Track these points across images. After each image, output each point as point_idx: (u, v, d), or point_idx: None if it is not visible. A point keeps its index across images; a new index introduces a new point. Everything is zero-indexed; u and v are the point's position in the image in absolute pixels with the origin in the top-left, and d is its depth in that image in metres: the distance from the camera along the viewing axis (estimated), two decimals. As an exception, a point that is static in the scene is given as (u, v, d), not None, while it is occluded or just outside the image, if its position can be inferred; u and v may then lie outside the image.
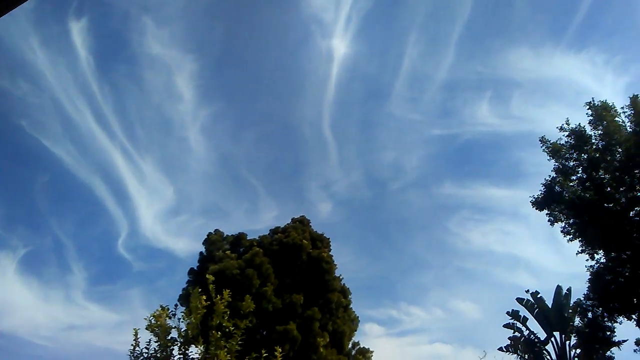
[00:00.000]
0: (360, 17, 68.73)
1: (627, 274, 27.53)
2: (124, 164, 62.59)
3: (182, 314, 12.48)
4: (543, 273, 61.88)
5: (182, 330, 12.20)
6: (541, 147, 29.03)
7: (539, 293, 36.64)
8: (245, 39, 73.83)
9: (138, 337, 11.68)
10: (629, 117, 27.38)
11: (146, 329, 11.72)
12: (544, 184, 28.82)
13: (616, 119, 27.55)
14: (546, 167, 29.66)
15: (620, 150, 27.40)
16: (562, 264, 59.16)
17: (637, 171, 27.17)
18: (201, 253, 35.62)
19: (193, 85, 68.28)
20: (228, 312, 12.26)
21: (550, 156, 28.81)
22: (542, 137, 29.08)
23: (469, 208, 73.60)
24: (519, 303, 37.19)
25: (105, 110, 60.92)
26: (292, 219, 38.26)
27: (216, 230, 36.61)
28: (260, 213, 67.10)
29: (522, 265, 66.63)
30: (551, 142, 28.81)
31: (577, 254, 28.49)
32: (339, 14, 67.29)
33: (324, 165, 77.89)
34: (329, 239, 37.80)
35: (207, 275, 13.38)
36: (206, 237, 36.25)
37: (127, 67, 66.47)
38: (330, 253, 36.51)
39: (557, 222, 28.88)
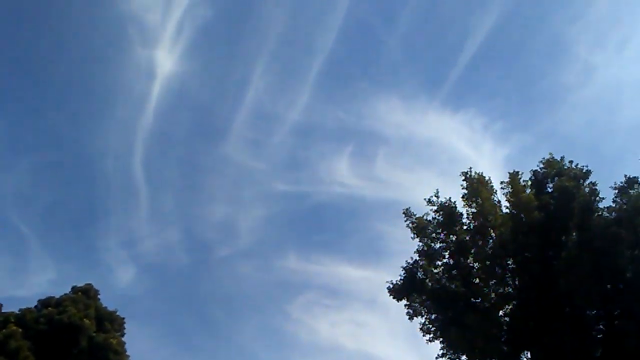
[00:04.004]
0: (196, 27, 63.17)
1: (491, 387, 27.45)
2: None
3: None
4: (401, 377, 58.20)
5: None
6: (405, 221, 28.65)
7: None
8: (31, 32, 62.66)
9: None
10: (507, 196, 28.08)
11: None
12: (404, 268, 28.29)
13: (492, 197, 28.14)
14: (412, 246, 28.75)
15: (493, 235, 27.84)
16: (425, 368, 55.39)
17: (510, 262, 27.61)
18: None
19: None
20: None
21: (414, 234, 28.52)
22: (407, 209, 28.66)
23: (317, 289, 68.47)
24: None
25: None
26: (72, 288, 33.96)
27: (-50, 297, 30.28)
28: (29, 274, 55.73)
29: (376, 366, 62.06)
30: (416, 216, 28.54)
31: (436, 358, 27.87)
32: (167, 18, 61.13)
33: (130, 215, 67.85)
34: (123, 318, 34.41)
35: None
36: None
37: None
38: (122, 339, 33.55)
39: (416, 316, 28.17)
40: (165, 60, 61.70)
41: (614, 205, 26.35)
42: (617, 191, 26.49)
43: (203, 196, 73.09)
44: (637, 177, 26.45)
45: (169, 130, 68.49)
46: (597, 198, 26.54)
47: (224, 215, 71.49)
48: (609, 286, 25.51)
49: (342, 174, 70.56)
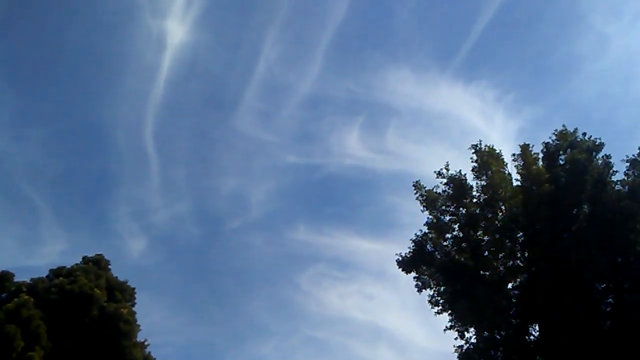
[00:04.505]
0: (207, -3, 60.30)
1: (500, 358, 26.85)
2: None
3: None
4: (410, 349, 58.06)
5: None
6: (415, 193, 28.41)
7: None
8: (42, 2, 61.16)
9: None
10: (518, 169, 27.77)
11: None
12: (413, 240, 28.09)
13: (502, 169, 27.73)
14: (422, 219, 28.50)
15: (503, 207, 27.54)
16: (435, 339, 54.84)
17: (519, 235, 27.47)
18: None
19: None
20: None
21: (424, 206, 28.29)
22: (417, 182, 28.43)
23: (327, 261, 67.73)
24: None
25: None
26: (83, 258, 33.48)
27: (-37, 265, 31.77)
28: (41, 244, 55.16)
29: (385, 338, 63.23)
30: (426, 189, 28.24)
31: (445, 330, 27.63)
32: (178, -13, 58.74)
33: (141, 186, 67.08)
34: (133, 288, 33.98)
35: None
36: (-55, 274, 31.14)
37: None
38: (133, 309, 33.03)
39: (425, 288, 28.06)
40: (176, 30, 60.61)
41: (626, 178, 25.98)
42: (629, 164, 26.11)
43: (214, 168, 72.34)
44: (651, 150, 25.99)
45: (179, 101, 67.47)
46: (610, 171, 26.09)
47: (235, 187, 70.79)
48: (619, 259, 25.27)
49: (352, 146, 69.28)
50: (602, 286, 25.97)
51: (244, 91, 67.79)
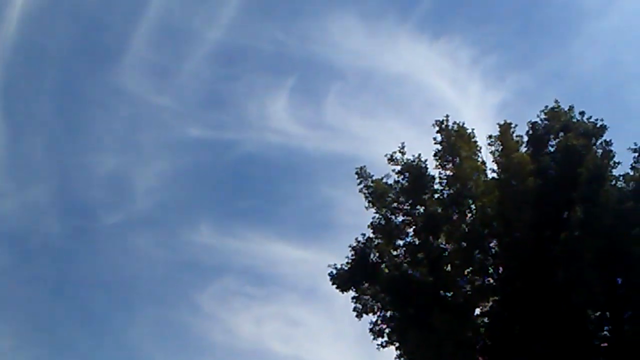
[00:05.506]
0: None
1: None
2: None
3: None
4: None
5: None
6: (358, 184, 24.72)
7: None
8: None
9: None
10: (494, 156, 24.71)
11: None
12: (353, 248, 24.58)
13: (475, 156, 24.59)
14: (368, 219, 24.74)
15: (473, 207, 24.36)
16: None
17: (492, 244, 24.40)
18: None
19: None
20: None
21: (369, 202, 24.73)
22: (361, 168, 24.81)
23: (238, 274, 57.44)
24: None
25: None
26: None
27: None
28: None
29: (313, 378, 55.57)
30: (374, 178, 24.68)
31: None
32: None
33: None
34: None
35: None
36: None
37: None
38: None
39: (367, 312, 24.65)
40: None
41: (632, 173, 22.70)
42: (637, 154, 22.71)
43: (85, 141, 60.71)
44: (665, 137, 22.98)
45: (39, 46, 55.33)
46: (612, 162, 23.11)
47: (114, 168, 59.19)
48: (619, 280, 22.63)
49: (278, 117, 59.39)
50: (597, 314, 23.21)
51: (131, 37, 56.21)
